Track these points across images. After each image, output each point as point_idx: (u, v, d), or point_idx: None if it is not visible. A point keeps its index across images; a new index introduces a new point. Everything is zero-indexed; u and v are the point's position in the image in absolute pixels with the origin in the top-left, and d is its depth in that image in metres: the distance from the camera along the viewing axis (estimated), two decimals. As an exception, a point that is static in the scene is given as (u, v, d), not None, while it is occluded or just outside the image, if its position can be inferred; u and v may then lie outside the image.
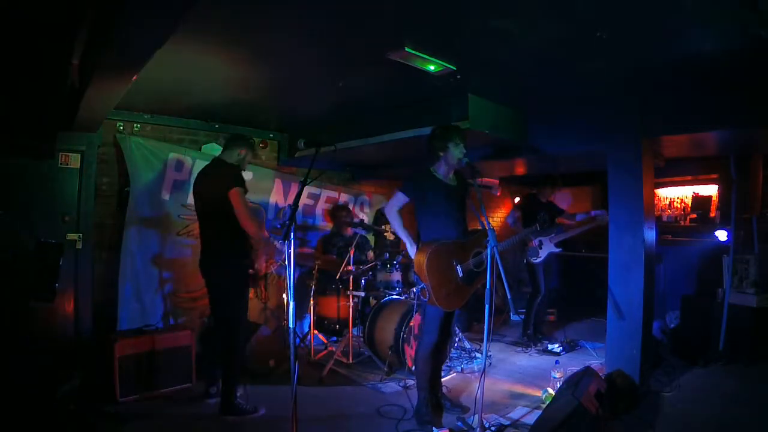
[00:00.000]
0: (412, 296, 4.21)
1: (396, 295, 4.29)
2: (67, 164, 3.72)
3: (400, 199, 2.93)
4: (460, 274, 2.79)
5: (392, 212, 2.95)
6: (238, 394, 3.07)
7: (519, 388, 3.62)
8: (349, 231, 4.94)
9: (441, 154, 2.88)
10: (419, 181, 2.92)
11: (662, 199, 6.19)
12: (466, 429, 2.95)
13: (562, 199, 5.42)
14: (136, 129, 4.03)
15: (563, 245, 4.85)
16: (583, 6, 2.10)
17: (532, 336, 4.78)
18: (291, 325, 2.09)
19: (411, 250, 2.89)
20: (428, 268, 2.69)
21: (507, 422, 2.99)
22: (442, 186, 2.89)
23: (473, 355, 4.36)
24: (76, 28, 2.35)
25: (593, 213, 4.75)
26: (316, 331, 4.47)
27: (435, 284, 2.70)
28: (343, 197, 5.55)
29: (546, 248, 4.74)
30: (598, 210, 4.72)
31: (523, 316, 4.93)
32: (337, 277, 4.26)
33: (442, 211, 2.85)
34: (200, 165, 3.59)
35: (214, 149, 4.28)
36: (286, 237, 2.13)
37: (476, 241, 2.91)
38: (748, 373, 3.75)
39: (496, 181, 6.91)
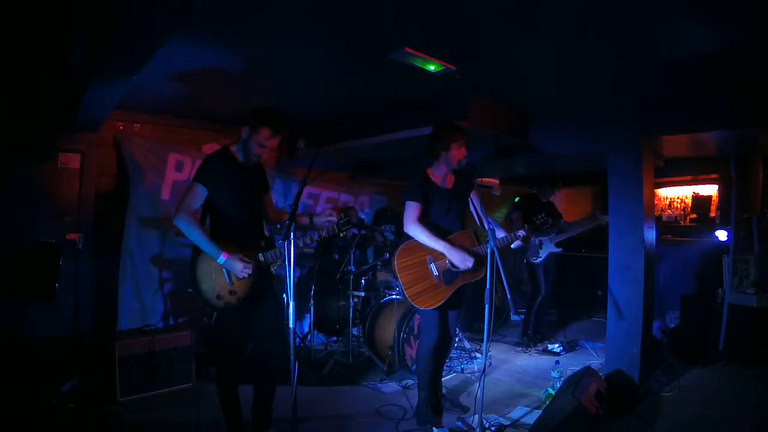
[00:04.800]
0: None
1: (396, 295, 4.29)
2: (67, 164, 3.72)
3: (413, 207, 2.79)
4: (435, 272, 2.78)
5: (412, 225, 2.75)
6: None
7: (519, 388, 3.62)
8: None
9: (442, 154, 2.86)
10: (417, 183, 2.92)
11: (662, 199, 6.19)
12: (466, 429, 2.95)
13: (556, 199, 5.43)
14: (136, 129, 4.03)
15: (563, 245, 4.85)
16: (584, 5, 2.10)
17: (533, 336, 4.78)
18: (291, 325, 2.09)
19: (451, 254, 2.71)
20: (398, 264, 2.72)
21: (507, 422, 2.99)
22: (436, 189, 2.89)
23: (473, 355, 4.36)
24: (76, 28, 2.36)
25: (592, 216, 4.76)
26: (316, 331, 4.47)
27: (405, 281, 2.72)
28: (343, 197, 5.55)
29: (546, 248, 4.74)
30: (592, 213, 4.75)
31: (523, 317, 4.93)
32: (337, 277, 4.26)
33: (434, 212, 2.85)
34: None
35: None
36: (286, 237, 2.13)
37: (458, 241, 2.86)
38: (748, 373, 3.75)
39: (496, 181, 6.90)
